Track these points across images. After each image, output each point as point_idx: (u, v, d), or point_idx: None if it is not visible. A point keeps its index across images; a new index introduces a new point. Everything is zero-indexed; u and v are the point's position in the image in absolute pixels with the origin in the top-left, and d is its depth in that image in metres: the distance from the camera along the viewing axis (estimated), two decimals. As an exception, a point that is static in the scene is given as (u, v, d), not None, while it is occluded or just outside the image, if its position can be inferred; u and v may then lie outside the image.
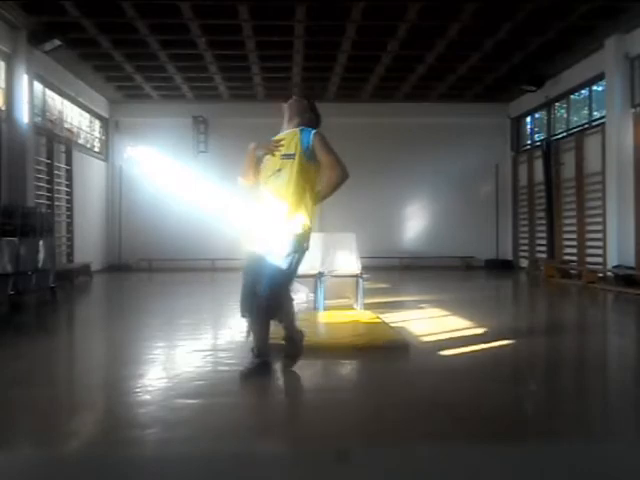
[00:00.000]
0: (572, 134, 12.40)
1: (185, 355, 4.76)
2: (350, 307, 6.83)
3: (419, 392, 3.46)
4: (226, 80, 13.16)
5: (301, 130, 3.82)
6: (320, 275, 6.28)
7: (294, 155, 3.72)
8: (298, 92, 4.41)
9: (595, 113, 11.83)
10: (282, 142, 3.79)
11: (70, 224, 12.31)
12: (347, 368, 4.46)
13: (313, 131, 3.79)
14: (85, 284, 11.24)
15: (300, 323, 5.72)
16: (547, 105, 13.46)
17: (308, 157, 3.74)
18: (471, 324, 6.00)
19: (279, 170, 3.73)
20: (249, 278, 3.78)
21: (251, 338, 3.89)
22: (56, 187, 11.75)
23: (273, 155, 3.79)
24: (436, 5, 9.12)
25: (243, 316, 3.84)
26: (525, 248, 14.68)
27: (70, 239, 12.34)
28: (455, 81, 13.22)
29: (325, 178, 3.83)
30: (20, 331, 6.08)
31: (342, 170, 3.74)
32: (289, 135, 3.84)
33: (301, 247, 3.74)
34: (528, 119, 15.10)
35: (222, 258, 14.27)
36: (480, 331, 5.61)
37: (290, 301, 3.98)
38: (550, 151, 12.94)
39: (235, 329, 6.23)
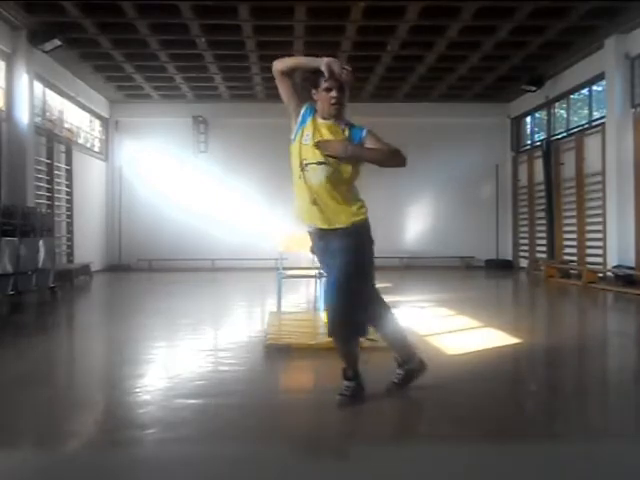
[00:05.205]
0: (572, 134, 12.39)
1: (185, 355, 4.76)
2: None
3: (420, 392, 3.46)
4: (226, 80, 13.16)
5: (351, 129, 3.23)
6: (320, 275, 6.26)
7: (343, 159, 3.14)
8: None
9: (595, 113, 11.82)
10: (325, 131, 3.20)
11: (70, 224, 12.32)
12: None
13: (364, 130, 3.22)
14: (85, 284, 11.24)
15: (301, 323, 5.78)
16: (547, 105, 13.46)
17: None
18: (473, 324, 6.00)
19: (322, 164, 3.13)
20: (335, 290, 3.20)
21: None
22: (56, 187, 11.75)
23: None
24: (436, 5, 9.14)
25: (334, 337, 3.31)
26: (525, 248, 14.68)
27: (70, 239, 12.34)
28: (455, 81, 13.23)
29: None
30: (20, 331, 6.08)
31: (403, 156, 3.14)
32: (335, 130, 3.22)
33: (368, 236, 3.23)
34: (528, 119, 15.10)
35: (222, 258, 14.32)
36: (482, 331, 5.61)
37: (384, 308, 3.46)
38: (550, 151, 12.94)
39: (235, 329, 6.24)
